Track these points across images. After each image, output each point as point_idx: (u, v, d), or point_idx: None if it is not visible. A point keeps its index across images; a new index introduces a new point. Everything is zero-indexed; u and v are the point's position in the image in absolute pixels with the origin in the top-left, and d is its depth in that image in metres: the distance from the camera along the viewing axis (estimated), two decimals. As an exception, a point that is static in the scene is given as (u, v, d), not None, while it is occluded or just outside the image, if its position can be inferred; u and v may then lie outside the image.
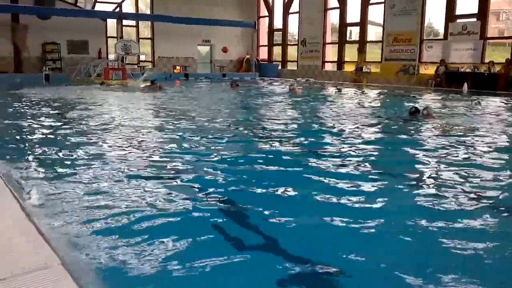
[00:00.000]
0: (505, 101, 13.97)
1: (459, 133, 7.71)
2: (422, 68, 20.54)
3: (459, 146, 6.49)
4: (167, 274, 2.62)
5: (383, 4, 21.79)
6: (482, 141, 6.99)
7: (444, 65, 19.03)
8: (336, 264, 2.78)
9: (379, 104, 12.94)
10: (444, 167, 5.20)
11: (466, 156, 5.89)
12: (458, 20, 19.21)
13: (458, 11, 19.31)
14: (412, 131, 8.09)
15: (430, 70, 20.01)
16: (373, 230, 3.32)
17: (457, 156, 5.84)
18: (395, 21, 21.16)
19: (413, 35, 20.46)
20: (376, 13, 22.91)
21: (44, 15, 22.26)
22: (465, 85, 17.21)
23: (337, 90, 18.64)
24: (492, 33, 19.16)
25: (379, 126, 8.47)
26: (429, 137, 7.41)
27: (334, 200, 3.99)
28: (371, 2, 22.69)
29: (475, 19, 18.57)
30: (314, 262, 2.77)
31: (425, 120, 8.89)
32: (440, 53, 19.61)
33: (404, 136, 7.64)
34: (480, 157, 5.78)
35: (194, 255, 2.81)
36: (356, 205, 3.87)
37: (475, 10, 18.57)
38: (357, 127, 8.28)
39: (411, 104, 10.22)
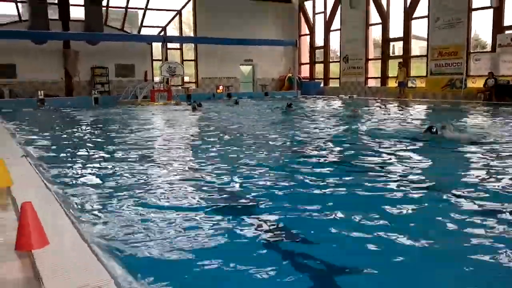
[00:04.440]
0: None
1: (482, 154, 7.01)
2: (470, 81, 19.94)
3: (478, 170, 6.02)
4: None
5: (426, 18, 21.43)
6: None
7: (494, 78, 18.40)
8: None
9: (413, 121, 12.55)
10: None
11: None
12: (507, 32, 18.60)
13: (506, 22, 18.72)
14: (423, 151, 7.60)
15: (479, 84, 19.40)
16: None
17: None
18: (440, 35, 20.73)
19: (459, 48, 19.96)
20: (419, 27, 22.57)
21: (93, 41, 23.21)
22: (517, 97, 16.59)
23: (381, 106, 18.34)
24: (544, 44, 18.43)
25: (400, 144, 8.17)
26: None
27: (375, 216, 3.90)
28: (414, 16, 22.38)
29: (525, 30, 17.96)
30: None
31: (444, 137, 8.28)
32: (488, 65, 19.01)
33: (414, 155, 7.23)
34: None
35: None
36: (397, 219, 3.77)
37: (524, 20, 17.98)
38: (386, 144, 8.10)
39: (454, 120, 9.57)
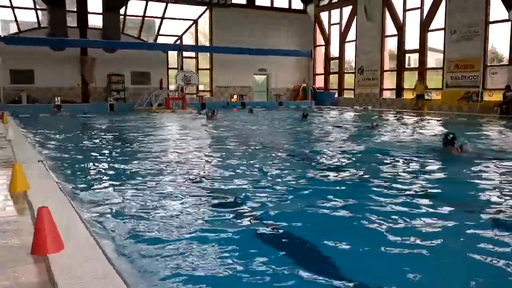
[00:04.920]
0: None
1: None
2: (487, 95, 19.73)
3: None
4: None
5: (443, 30, 21.31)
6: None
7: (511, 91, 18.17)
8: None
9: (432, 133, 12.39)
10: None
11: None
12: (525, 45, 18.42)
13: (525, 35, 18.55)
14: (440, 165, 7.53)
15: (496, 97, 19.17)
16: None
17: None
18: (456, 47, 20.58)
19: (476, 61, 19.79)
20: (435, 39, 22.45)
21: (110, 48, 23.50)
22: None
23: (398, 118, 18.21)
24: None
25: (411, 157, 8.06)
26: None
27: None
28: (430, 28, 22.27)
29: (543, 43, 17.73)
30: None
31: (463, 154, 7.84)
32: (505, 79, 18.80)
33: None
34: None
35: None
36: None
37: (543, 33, 17.77)
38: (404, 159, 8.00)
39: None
